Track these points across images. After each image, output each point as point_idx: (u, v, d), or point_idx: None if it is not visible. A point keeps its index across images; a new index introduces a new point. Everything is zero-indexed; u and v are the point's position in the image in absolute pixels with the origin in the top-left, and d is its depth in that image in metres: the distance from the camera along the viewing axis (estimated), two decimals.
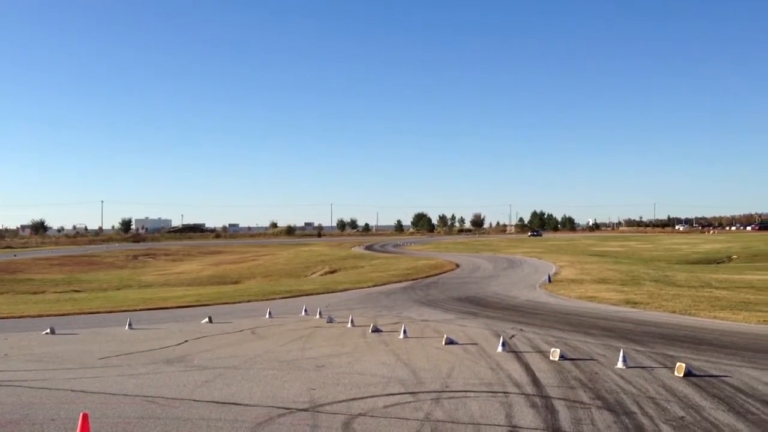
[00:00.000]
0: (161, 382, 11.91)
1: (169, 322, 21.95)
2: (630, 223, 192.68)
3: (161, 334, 18.69)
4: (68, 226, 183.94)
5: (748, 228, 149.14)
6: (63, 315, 25.78)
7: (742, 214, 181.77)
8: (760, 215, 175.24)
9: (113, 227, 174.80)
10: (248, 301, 29.19)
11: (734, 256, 63.85)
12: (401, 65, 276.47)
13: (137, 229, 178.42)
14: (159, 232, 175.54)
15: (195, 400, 10.32)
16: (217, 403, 10.12)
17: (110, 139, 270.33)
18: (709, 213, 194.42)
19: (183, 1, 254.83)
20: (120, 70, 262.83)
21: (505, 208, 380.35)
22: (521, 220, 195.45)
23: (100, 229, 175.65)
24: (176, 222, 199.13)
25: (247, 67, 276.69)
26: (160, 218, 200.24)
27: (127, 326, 20.16)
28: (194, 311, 25.50)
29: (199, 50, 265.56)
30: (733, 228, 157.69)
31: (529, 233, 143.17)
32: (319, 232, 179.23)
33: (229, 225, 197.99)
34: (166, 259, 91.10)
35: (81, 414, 8.05)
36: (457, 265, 48.87)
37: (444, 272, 43.33)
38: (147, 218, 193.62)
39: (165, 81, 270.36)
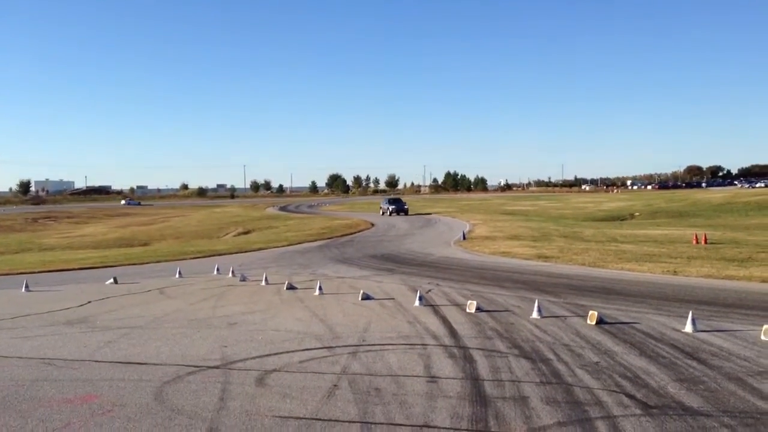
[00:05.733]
0: (60, 343, 11.13)
1: (70, 284, 20.78)
2: (539, 183, 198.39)
3: (61, 296, 17.61)
4: None
5: (649, 187, 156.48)
6: None
7: (642, 174, 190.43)
8: (659, 175, 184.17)
9: (10, 189, 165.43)
10: (157, 262, 28.07)
11: (637, 214, 66.76)
12: (317, 34, 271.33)
13: (37, 192, 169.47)
14: (61, 195, 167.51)
15: (96, 361, 9.68)
16: (121, 363, 9.51)
17: (7, 93, 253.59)
18: (612, 173, 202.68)
19: None
20: (19, 20, 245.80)
21: (420, 169, 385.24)
22: (435, 180, 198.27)
23: None
24: (80, 184, 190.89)
25: (156, 23, 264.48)
26: (62, 180, 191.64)
27: (23, 288, 18.93)
28: (98, 273, 24.26)
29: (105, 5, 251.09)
30: (635, 187, 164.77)
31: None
32: (232, 193, 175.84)
33: (137, 187, 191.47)
34: (69, 221, 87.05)
35: None
36: (373, 225, 48.89)
37: (359, 231, 43.26)
38: (47, 180, 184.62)
39: (69, 33, 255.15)
